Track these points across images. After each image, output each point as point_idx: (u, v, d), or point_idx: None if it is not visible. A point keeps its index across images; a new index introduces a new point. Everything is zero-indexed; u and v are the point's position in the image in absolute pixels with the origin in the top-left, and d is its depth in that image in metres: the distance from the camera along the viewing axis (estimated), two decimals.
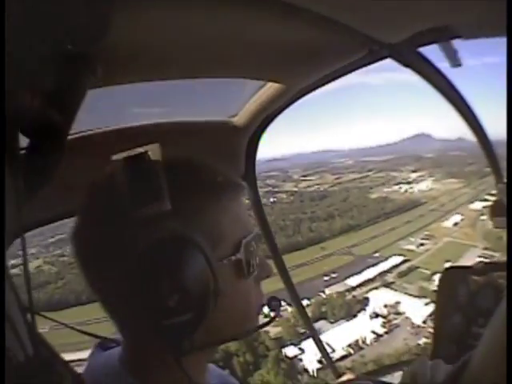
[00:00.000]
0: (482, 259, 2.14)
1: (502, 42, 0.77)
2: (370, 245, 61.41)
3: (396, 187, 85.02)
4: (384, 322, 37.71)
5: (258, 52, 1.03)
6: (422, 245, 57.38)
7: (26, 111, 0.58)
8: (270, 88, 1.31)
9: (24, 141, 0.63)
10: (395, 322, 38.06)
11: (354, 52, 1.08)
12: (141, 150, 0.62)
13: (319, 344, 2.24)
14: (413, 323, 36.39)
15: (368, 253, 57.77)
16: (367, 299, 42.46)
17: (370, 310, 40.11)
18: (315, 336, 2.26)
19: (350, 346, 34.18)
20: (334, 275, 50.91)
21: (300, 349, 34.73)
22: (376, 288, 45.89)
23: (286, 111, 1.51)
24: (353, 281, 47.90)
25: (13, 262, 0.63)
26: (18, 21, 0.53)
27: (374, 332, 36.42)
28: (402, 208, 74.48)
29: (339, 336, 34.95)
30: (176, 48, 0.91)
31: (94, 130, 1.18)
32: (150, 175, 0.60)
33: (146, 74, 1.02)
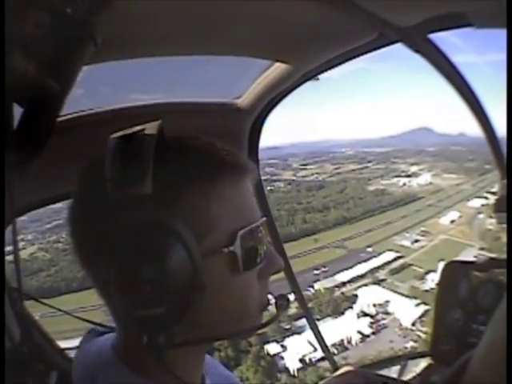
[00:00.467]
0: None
1: None
2: (363, 239, 60.36)
3: (395, 180, 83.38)
4: (371, 322, 36.78)
5: (268, 31, 1.01)
6: (416, 241, 56.14)
7: (21, 75, 0.56)
8: (276, 70, 1.29)
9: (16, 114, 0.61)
10: (383, 322, 37.24)
11: (365, 34, 1.07)
12: (139, 128, 0.60)
13: (318, 336, 2.25)
14: (401, 325, 35.65)
15: (361, 247, 56.71)
16: (356, 296, 41.35)
17: (357, 308, 39.08)
18: (315, 329, 2.26)
19: (333, 345, 32.97)
20: (324, 269, 49.73)
21: (282, 346, 34.28)
22: (366, 285, 44.88)
23: (288, 98, 1.50)
24: (343, 276, 46.87)
25: (7, 248, 0.65)
26: None
27: (360, 332, 35.46)
28: (399, 202, 73.11)
29: (324, 334, 33.69)
30: (179, 23, 0.88)
31: (93, 110, 1.16)
32: (137, 155, 0.57)
33: (146, 49, 0.99)
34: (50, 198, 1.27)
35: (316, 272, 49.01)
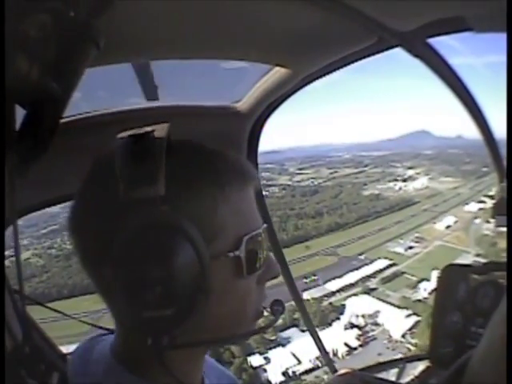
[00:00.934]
0: None
1: None
2: (356, 245, 59.18)
3: (391, 184, 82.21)
4: (359, 335, 35.35)
5: (267, 35, 1.03)
6: (410, 248, 54.81)
7: (23, 78, 0.56)
8: (276, 74, 1.30)
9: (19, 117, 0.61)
10: (372, 333, 35.86)
11: (364, 39, 1.08)
12: (147, 129, 0.60)
13: (318, 342, 2.26)
14: (390, 336, 34.36)
15: (353, 254, 55.44)
16: (344, 307, 39.86)
17: (345, 319, 37.60)
18: (315, 336, 2.26)
19: (318, 358, 31.38)
20: (314, 277, 48.23)
21: (266, 358, 33.30)
22: (356, 294, 43.43)
23: (286, 103, 1.51)
24: (333, 285, 45.52)
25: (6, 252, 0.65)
26: None
27: (347, 344, 34.01)
28: (395, 207, 71.89)
29: (309, 346, 32.15)
30: (179, 27, 0.90)
31: (96, 112, 1.18)
32: (148, 156, 0.57)
33: (147, 53, 1.02)
34: (51, 199, 1.29)
35: (305, 280, 47.47)
